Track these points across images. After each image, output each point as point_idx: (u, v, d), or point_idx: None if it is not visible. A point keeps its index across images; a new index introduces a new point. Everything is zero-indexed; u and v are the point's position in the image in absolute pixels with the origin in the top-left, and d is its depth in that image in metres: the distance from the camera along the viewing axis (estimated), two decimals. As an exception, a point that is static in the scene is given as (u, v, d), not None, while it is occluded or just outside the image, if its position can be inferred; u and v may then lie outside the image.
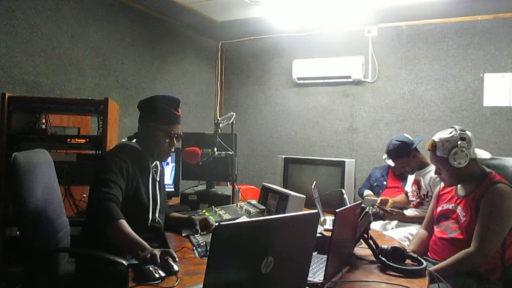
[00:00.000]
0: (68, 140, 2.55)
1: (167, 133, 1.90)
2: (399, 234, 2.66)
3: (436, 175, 2.58)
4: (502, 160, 2.20)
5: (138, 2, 3.81)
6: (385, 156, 2.94)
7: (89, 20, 3.38)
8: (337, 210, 1.39)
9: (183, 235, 1.99)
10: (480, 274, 1.84)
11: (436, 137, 2.00)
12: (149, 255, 1.44)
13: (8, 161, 1.69)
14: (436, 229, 2.11)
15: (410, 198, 2.91)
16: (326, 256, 1.48)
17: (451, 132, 1.96)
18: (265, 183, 2.58)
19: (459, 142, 1.92)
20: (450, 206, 2.07)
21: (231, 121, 2.64)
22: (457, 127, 1.98)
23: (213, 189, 2.90)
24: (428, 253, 2.11)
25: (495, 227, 1.82)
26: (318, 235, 1.69)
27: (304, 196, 2.23)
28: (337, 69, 4.26)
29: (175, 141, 1.94)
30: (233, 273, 0.98)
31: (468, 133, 1.97)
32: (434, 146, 1.98)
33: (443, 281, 1.49)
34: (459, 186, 2.07)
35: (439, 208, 2.13)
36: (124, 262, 1.49)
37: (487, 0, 3.78)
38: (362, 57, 4.23)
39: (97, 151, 2.55)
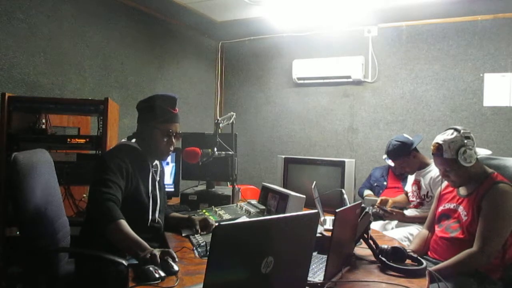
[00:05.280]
0: (68, 140, 2.55)
1: (165, 131, 1.90)
2: (399, 234, 2.66)
3: (436, 175, 2.61)
4: (502, 160, 2.19)
5: (138, 2, 3.81)
6: (385, 156, 2.94)
7: (89, 20, 3.38)
8: (337, 210, 1.39)
9: (183, 235, 1.99)
10: (480, 274, 1.84)
11: (439, 140, 1.97)
12: (149, 255, 1.44)
13: (8, 161, 1.68)
14: (437, 228, 2.12)
15: (410, 198, 2.91)
16: (326, 256, 1.48)
17: (453, 133, 1.95)
18: (265, 183, 2.57)
19: (465, 141, 1.91)
20: (452, 205, 2.07)
21: (231, 121, 2.64)
22: (456, 127, 1.98)
23: (213, 189, 2.90)
24: (429, 252, 2.11)
25: (497, 227, 1.82)
26: (318, 235, 1.69)
27: (304, 196, 2.23)
28: (337, 69, 4.26)
29: (174, 140, 1.94)
30: (233, 273, 0.98)
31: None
32: (440, 149, 1.95)
33: (442, 281, 1.49)
34: (461, 186, 2.07)
35: (441, 208, 2.13)
36: (124, 262, 1.49)
37: (487, 0, 3.78)
38: (362, 57, 4.23)
39: (97, 151, 2.55)
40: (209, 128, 4.13)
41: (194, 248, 1.77)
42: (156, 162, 2.00)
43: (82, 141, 2.56)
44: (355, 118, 4.38)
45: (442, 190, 2.17)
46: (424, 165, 2.82)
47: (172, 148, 1.95)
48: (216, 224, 1.51)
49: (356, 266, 1.65)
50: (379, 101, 4.27)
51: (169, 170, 2.91)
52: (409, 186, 2.94)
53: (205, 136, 2.77)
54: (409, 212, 2.86)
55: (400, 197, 3.03)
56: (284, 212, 2.14)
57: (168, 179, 2.88)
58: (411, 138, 2.86)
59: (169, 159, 2.88)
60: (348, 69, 4.21)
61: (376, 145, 4.25)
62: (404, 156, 2.79)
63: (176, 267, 1.43)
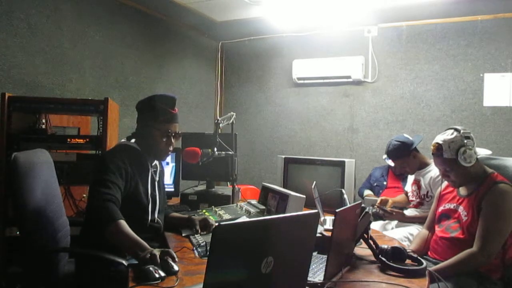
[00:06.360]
0: (68, 140, 2.55)
1: (164, 132, 1.90)
2: (399, 234, 2.66)
3: (436, 175, 2.61)
4: (502, 160, 2.20)
5: (138, 2, 3.81)
6: (385, 156, 2.94)
7: (89, 20, 3.38)
8: (337, 210, 1.39)
9: (183, 235, 1.99)
10: (480, 274, 1.84)
11: (438, 140, 1.97)
12: (149, 255, 1.44)
13: (8, 161, 1.68)
14: (437, 228, 2.12)
15: (410, 198, 2.91)
16: (326, 256, 1.48)
17: (453, 133, 1.95)
18: (265, 183, 2.57)
19: (465, 141, 1.92)
20: (452, 205, 2.07)
21: (231, 121, 2.64)
22: (456, 127, 1.98)
23: (213, 189, 2.90)
24: (429, 253, 2.11)
25: (497, 227, 1.82)
26: (318, 235, 1.69)
27: (304, 196, 2.23)
28: (337, 69, 4.26)
29: (173, 140, 1.94)
30: (233, 273, 0.98)
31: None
32: (439, 149, 1.95)
33: (442, 281, 1.49)
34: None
35: (441, 208, 2.13)
36: (124, 262, 1.49)
37: (487, 0, 3.78)
38: (362, 57, 4.23)
39: (97, 151, 2.55)
40: (209, 128, 4.13)
41: (194, 248, 1.77)
42: (156, 162, 2.01)
43: (82, 141, 2.56)
44: (355, 118, 4.38)
45: (442, 190, 2.17)
46: (424, 165, 2.82)
47: (171, 148, 1.95)
48: (216, 224, 1.50)
49: (356, 266, 1.65)
50: (379, 101, 4.27)
51: (169, 170, 2.91)
52: (409, 186, 2.94)
53: (205, 136, 2.77)
54: (409, 212, 2.86)
55: (400, 197, 3.03)
56: (284, 212, 2.14)
57: (168, 179, 2.88)
58: (411, 138, 2.86)
59: (169, 159, 2.88)
60: (348, 69, 4.21)
61: (376, 145, 4.24)
62: (404, 156, 2.79)
63: (176, 267, 1.43)
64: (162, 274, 1.37)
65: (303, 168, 3.16)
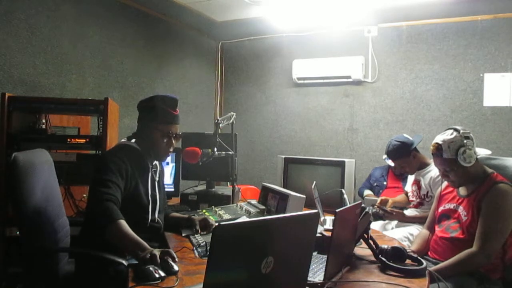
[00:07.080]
0: (68, 140, 2.55)
1: (165, 133, 1.90)
2: (399, 234, 2.66)
3: (435, 175, 2.61)
4: (502, 160, 2.20)
5: (138, 2, 3.81)
6: (385, 156, 2.94)
7: (89, 20, 3.38)
8: (337, 210, 1.39)
9: (183, 235, 1.99)
10: (480, 274, 1.84)
11: (438, 140, 1.98)
12: (149, 255, 1.44)
13: (8, 161, 1.68)
14: (437, 228, 2.12)
15: (410, 198, 2.91)
16: (326, 256, 1.48)
17: (452, 133, 1.96)
18: (265, 183, 2.58)
19: (465, 141, 1.92)
20: (452, 206, 2.07)
21: (231, 121, 2.64)
22: (456, 127, 1.98)
23: (213, 189, 2.90)
24: (429, 253, 2.11)
25: (497, 227, 1.83)
26: (318, 235, 1.69)
27: (304, 196, 2.23)
28: (337, 69, 4.26)
29: (174, 141, 1.94)
30: (233, 273, 0.98)
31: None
32: (439, 149, 1.96)
33: (442, 281, 1.49)
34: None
35: (441, 208, 2.13)
36: (124, 262, 1.49)
37: (487, 0, 3.78)
38: (362, 57, 4.23)
39: (97, 151, 2.55)
40: (209, 128, 4.13)
41: (194, 248, 1.77)
42: (156, 162, 2.00)
43: (82, 141, 2.56)
44: (355, 118, 4.38)
45: (442, 190, 2.17)
46: (424, 165, 2.82)
47: (171, 149, 1.95)
48: (216, 224, 1.50)
49: (356, 266, 1.65)
50: (379, 101, 4.27)
51: (169, 170, 2.91)
52: (409, 186, 2.94)
53: (205, 136, 2.77)
54: (409, 212, 2.86)
55: (400, 197, 3.03)
56: (284, 212, 2.14)
57: (168, 179, 2.88)
58: (411, 138, 2.86)
59: (169, 159, 2.88)
60: (348, 69, 4.21)
61: (376, 145, 4.24)
62: (404, 156, 2.79)
63: (176, 267, 1.43)
64: (162, 274, 1.37)
65: (303, 168, 3.17)
